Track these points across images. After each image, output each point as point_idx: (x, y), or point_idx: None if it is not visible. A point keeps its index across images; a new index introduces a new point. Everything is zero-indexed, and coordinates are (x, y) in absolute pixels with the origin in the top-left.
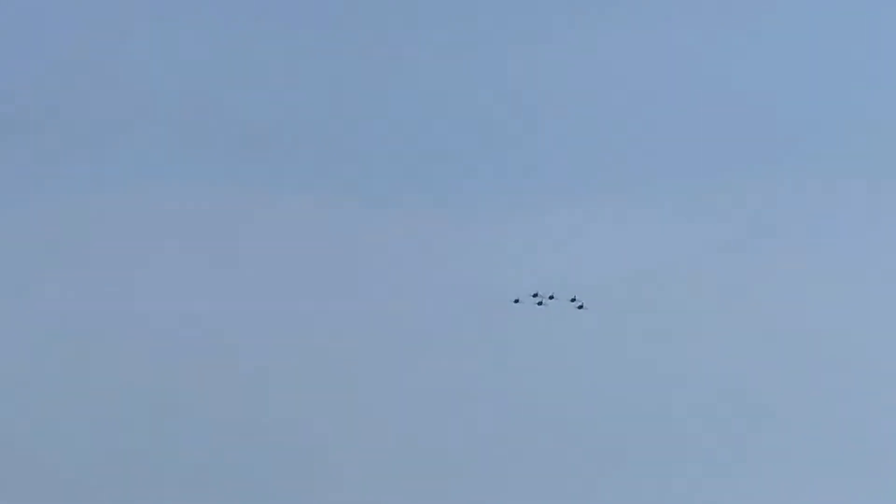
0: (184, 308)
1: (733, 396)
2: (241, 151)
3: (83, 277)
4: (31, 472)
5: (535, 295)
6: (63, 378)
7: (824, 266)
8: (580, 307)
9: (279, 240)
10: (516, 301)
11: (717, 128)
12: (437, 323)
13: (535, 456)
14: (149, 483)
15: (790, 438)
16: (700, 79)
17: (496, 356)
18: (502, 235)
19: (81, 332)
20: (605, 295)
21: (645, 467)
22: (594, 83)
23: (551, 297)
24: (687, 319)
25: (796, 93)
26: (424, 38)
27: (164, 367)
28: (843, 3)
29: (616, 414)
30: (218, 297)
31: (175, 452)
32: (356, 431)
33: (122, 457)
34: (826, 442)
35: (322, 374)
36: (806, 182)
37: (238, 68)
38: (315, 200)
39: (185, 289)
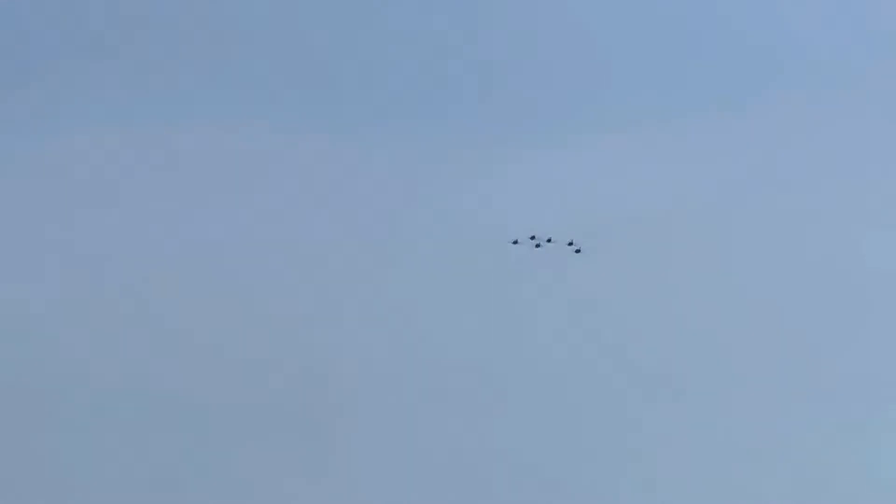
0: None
1: (731, 344)
2: (235, 81)
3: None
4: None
5: (532, 237)
6: (81, 311)
7: (832, 207)
8: (577, 251)
9: (278, 176)
10: (515, 242)
11: (728, 62)
12: (434, 262)
13: (528, 397)
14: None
15: (798, 383)
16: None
17: (492, 296)
18: (505, 173)
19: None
20: (606, 237)
21: (640, 411)
22: (599, 14)
23: (549, 241)
24: (687, 264)
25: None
26: None
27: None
28: None
29: (611, 355)
30: (224, 230)
31: (187, 386)
32: (351, 371)
33: (133, 391)
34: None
35: (317, 312)
36: (816, 122)
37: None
38: (308, 135)
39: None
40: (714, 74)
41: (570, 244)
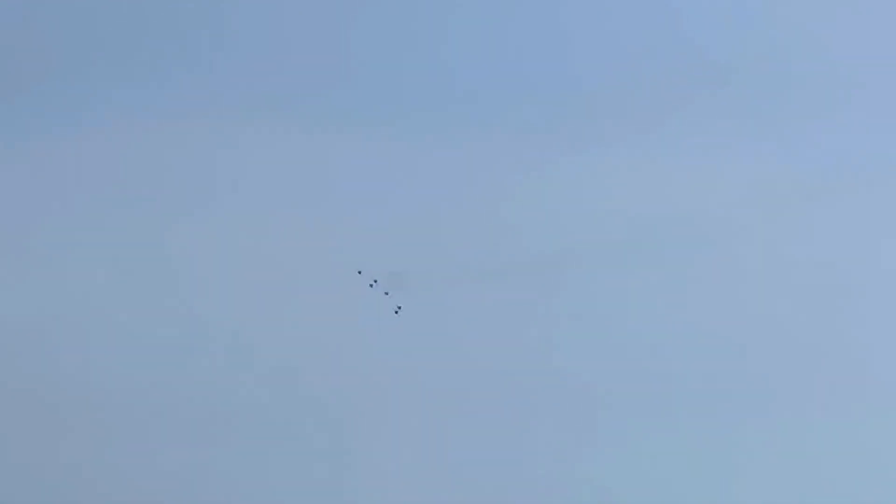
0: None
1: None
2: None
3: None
4: None
5: (375, 281)
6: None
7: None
8: (396, 312)
9: None
10: (359, 272)
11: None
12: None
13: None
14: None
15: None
16: None
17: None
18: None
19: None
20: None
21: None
22: None
23: (386, 294)
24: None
25: None
26: None
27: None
28: None
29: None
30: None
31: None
32: None
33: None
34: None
35: None
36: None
37: None
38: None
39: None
40: None
41: (398, 307)
